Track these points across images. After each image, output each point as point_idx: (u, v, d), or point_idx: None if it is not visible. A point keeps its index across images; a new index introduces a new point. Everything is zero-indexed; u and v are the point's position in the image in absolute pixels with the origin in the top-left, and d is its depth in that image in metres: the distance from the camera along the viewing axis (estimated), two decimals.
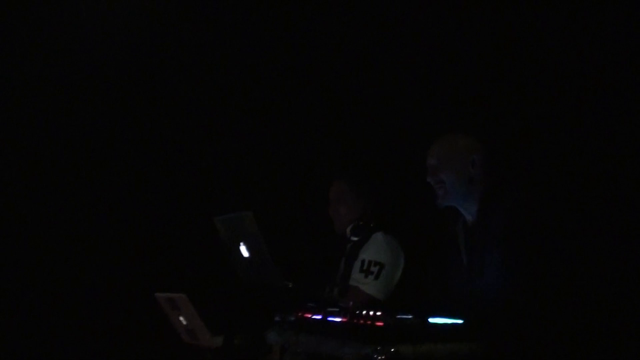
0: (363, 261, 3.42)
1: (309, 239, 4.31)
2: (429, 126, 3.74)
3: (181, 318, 3.27)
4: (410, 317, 2.50)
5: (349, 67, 4.39)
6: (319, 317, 2.66)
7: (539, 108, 3.70)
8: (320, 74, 4.47)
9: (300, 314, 2.71)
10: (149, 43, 4.59)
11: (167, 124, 4.76)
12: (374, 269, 3.37)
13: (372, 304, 3.35)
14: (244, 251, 2.88)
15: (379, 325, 2.43)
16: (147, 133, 4.77)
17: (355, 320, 2.50)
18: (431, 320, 2.51)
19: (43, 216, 4.68)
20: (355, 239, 3.54)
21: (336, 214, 3.64)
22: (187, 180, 4.87)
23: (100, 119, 4.72)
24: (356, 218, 3.59)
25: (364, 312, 2.52)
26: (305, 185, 4.36)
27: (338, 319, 2.57)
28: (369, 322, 2.46)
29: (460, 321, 2.54)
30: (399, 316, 2.50)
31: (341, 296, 3.50)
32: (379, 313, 2.49)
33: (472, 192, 3.00)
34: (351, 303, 2.66)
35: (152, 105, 4.72)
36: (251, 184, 4.74)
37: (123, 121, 4.76)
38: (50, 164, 4.70)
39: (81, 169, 4.76)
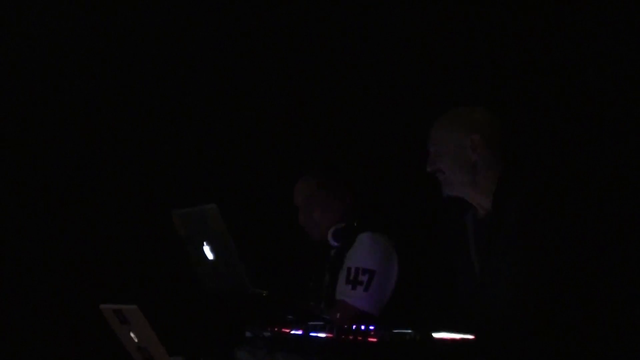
0: (349, 269, 3.31)
1: (286, 238, 4.21)
2: (428, 99, 3.78)
3: (132, 334, 3.12)
4: (409, 331, 2.47)
5: (315, 48, 4.48)
6: (299, 332, 2.62)
7: (557, 73, 3.70)
8: (287, 58, 4.56)
9: (276, 329, 2.68)
10: (100, 30, 4.70)
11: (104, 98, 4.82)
12: (363, 278, 3.27)
13: (364, 318, 3.25)
14: (208, 252, 2.80)
15: (372, 342, 2.43)
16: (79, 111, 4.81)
17: (343, 336, 2.47)
18: (435, 335, 2.48)
19: None
20: (337, 244, 3.46)
21: (309, 221, 3.54)
22: (138, 166, 4.83)
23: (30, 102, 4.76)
24: (335, 221, 3.49)
25: (354, 325, 2.49)
26: (283, 173, 4.23)
27: (322, 335, 2.54)
28: (359, 338, 2.44)
29: (470, 336, 2.51)
30: (396, 330, 2.48)
31: (327, 302, 3.46)
32: (371, 327, 2.47)
33: (477, 180, 2.95)
34: (338, 315, 2.77)
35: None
36: (216, 172, 4.71)
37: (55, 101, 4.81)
38: None
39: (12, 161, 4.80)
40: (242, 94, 4.70)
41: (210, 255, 2.80)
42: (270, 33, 4.57)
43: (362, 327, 2.46)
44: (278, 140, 4.63)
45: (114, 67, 4.75)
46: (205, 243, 2.80)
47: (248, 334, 2.74)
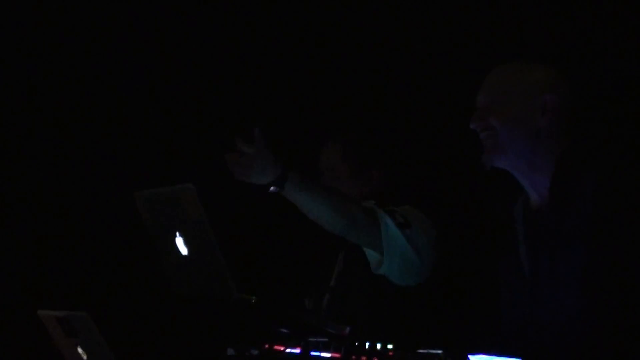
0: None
1: (281, 228, 4.27)
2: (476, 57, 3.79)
3: (79, 349, 3.08)
4: (439, 352, 2.38)
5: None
6: (296, 350, 2.57)
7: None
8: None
9: (267, 346, 2.63)
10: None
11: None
12: (400, 219, 3.29)
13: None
14: (181, 245, 2.69)
15: None
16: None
17: (354, 357, 2.41)
18: (473, 358, 2.40)
19: None
20: None
21: None
22: (89, 140, 4.89)
23: None
24: (364, 195, 3.54)
25: (368, 343, 2.42)
26: (280, 145, 4.27)
27: (327, 355, 2.48)
28: None
29: None
30: (422, 351, 2.40)
31: (334, 307, 3.49)
32: (390, 345, 2.40)
33: (537, 152, 2.87)
34: (348, 329, 2.54)
35: None
36: (191, 147, 4.73)
37: None
38: None
39: None
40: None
41: (183, 250, 2.69)
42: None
43: (378, 346, 2.39)
44: (273, 103, 4.72)
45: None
46: (177, 234, 2.70)
47: (230, 351, 2.69)
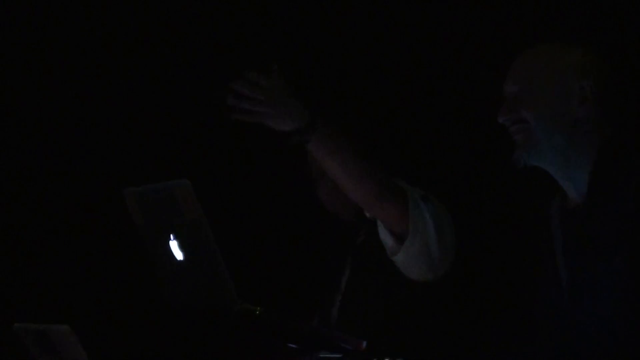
0: None
1: (286, 229, 4.29)
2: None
3: None
4: None
5: None
6: None
7: None
8: None
9: None
10: None
11: None
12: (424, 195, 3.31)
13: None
14: (176, 249, 2.66)
15: None
16: None
17: None
18: None
19: None
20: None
21: (331, 197, 3.54)
22: (75, 133, 4.80)
23: None
24: None
25: (387, 358, 2.53)
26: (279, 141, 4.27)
27: None
28: None
29: None
30: None
31: (345, 314, 3.47)
32: None
33: (575, 146, 2.81)
34: (365, 343, 2.55)
35: None
36: (190, 140, 4.70)
37: None
38: None
39: None
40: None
41: (179, 254, 2.66)
42: None
43: None
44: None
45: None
46: (172, 236, 2.67)
47: None
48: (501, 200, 3.88)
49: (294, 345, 2.61)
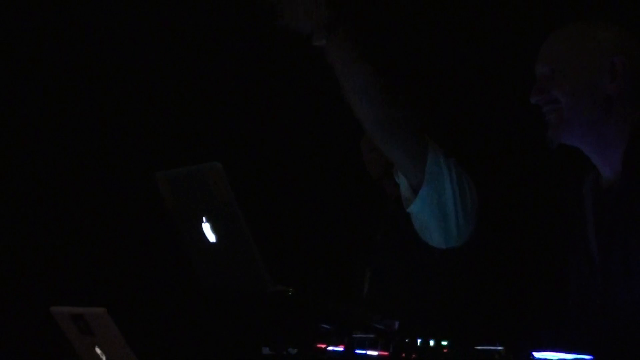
0: None
1: (316, 211, 4.33)
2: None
3: (97, 350, 3.01)
4: (500, 348, 2.35)
5: None
6: (339, 348, 2.51)
7: None
8: None
9: (307, 344, 2.56)
10: None
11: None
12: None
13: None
14: (209, 232, 2.62)
15: None
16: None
17: (403, 355, 2.38)
18: (537, 354, 2.36)
19: None
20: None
21: (385, 167, 3.61)
22: (105, 120, 4.90)
23: None
24: None
25: (419, 340, 2.39)
26: (310, 125, 4.36)
27: (374, 353, 2.44)
28: (428, 357, 2.36)
29: (588, 357, 2.38)
30: (480, 347, 2.37)
31: (375, 291, 3.52)
32: (444, 342, 2.37)
33: (608, 123, 2.81)
34: (397, 324, 2.49)
35: None
36: (222, 123, 4.73)
37: None
38: None
39: None
40: None
41: (211, 237, 2.63)
42: None
43: (431, 342, 2.36)
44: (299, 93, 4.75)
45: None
46: (204, 219, 2.64)
47: (266, 350, 2.62)
48: (534, 180, 3.82)
49: (327, 326, 2.54)
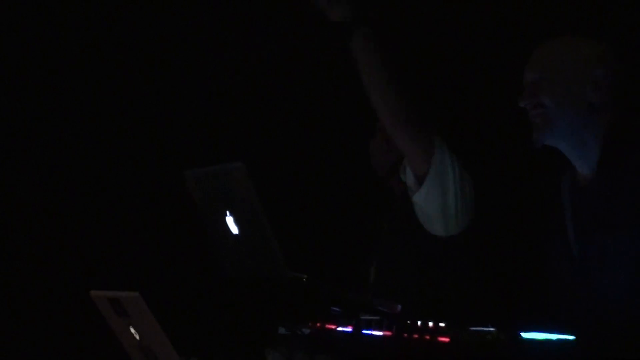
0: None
1: (331, 206, 4.28)
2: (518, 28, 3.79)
3: (132, 329, 3.12)
4: (492, 329, 2.37)
5: None
6: (348, 329, 2.58)
7: None
8: None
9: (318, 325, 2.67)
10: None
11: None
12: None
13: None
14: (232, 224, 2.70)
15: (444, 342, 2.35)
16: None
17: (405, 335, 2.40)
18: (525, 335, 2.37)
19: None
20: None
21: (391, 167, 3.67)
22: (141, 121, 4.93)
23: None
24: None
25: (420, 321, 2.41)
26: (320, 128, 4.37)
27: (378, 333, 2.49)
28: (427, 337, 2.37)
29: (570, 337, 2.38)
30: (474, 328, 2.39)
31: (382, 278, 3.53)
32: (442, 324, 2.39)
33: (590, 127, 2.87)
34: (399, 307, 2.57)
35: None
36: (242, 125, 4.75)
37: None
38: None
39: None
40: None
41: (234, 228, 2.71)
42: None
43: (430, 324, 2.38)
44: (315, 95, 4.71)
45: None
46: (228, 213, 2.71)
47: (282, 330, 2.74)
48: (519, 178, 3.81)
49: (337, 309, 2.62)
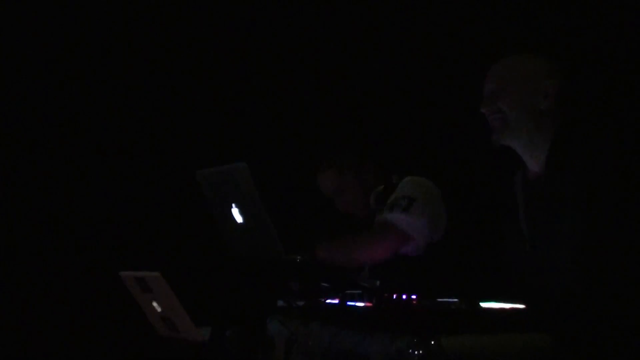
0: (389, 202, 3.43)
1: (322, 200, 4.13)
2: (480, 45, 3.88)
3: (154, 304, 3.19)
4: (455, 300, 2.49)
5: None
6: (335, 301, 2.68)
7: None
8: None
9: (311, 298, 2.75)
10: None
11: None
12: (402, 202, 3.38)
13: (408, 247, 3.39)
14: (237, 215, 2.83)
15: (415, 311, 2.43)
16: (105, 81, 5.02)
17: (383, 305, 2.49)
18: (483, 304, 2.50)
19: None
20: (381, 207, 3.53)
21: (347, 205, 3.73)
22: (161, 127, 5.00)
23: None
24: (372, 188, 3.64)
25: (395, 294, 2.49)
26: (314, 132, 4.43)
27: (361, 304, 2.59)
28: (401, 307, 2.45)
29: (521, 306, 2.54)
30: (441, 299, 2.49)
31: (370, 275, 3.51)
32: (414, 296, 2.47)
33: (540, 129, 2.94)
34: (378, 282, 2.68)
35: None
36: (245, 130, 4.84)
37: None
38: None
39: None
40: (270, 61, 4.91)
41: (239, 218, 2.83)
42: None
43: (404, 296, 2.47)
44: (306, 105, 4.78)
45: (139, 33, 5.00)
46: (233, 205, 2.83)
47: (280, 303, 2.83)
48: (479, 174, 3.87)
49: (325, 284, 2.74)
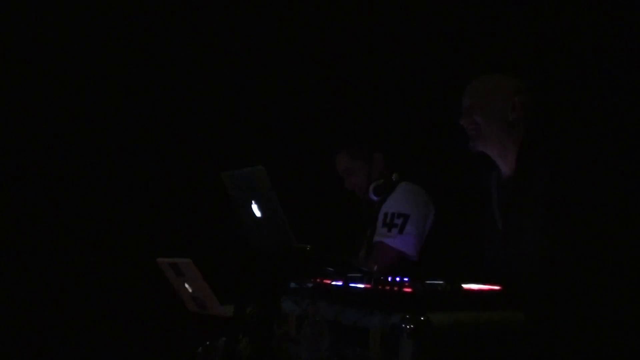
0: (386, 214, 3.49)
1: (328, 196, 4.39)
2: (462, 67, 3.87)
3: (186, 285, 3.33)
4: (441, 282, 2.54)
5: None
6: (339, 283, 2.69)
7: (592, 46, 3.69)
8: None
9: (318, 280, 2.79)
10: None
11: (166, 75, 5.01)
12: (398, 221, 3.44)
13: (403, 260, 3.45)
14: (256, 211, 2.85)
15: (407, 292, 2.42)
16: (148, 85, 5.02)
17: (380, 287, 2.51)
18: (465, 286, 2.54)
19: (29, 174, 4.90)
20: (377, 199, 3.65)
21: (352, 186, 3.85)
22: (191, 132, 5.04)
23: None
24: (375, 179, 3.78)
25: (390, 277, 2.55)
26: (323, 140, 4.37)
27: (361, 286, 2.59)
28: (395, 289, 2.45)
29: (497, 287, 2.55)
30: (429, 282, 2.55)
31: (367, 253, 3.59)
32: (406, 279, 2.53)
33: (509, 139, 3.02)
34: (376, 267, 2.66)
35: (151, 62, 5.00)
36: (264, 137, 4.91)
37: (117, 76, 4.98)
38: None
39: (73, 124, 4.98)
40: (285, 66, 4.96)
41: (257, 214, 2.86)
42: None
43: (398, 279, 2.53)
44: (317, 112, 4.85)
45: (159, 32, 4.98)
46: (253, 202, 2.86)
47: (293, 285, 2.88)
48: (461, 175, 3.93)
49: (331, 269, 2.80)
